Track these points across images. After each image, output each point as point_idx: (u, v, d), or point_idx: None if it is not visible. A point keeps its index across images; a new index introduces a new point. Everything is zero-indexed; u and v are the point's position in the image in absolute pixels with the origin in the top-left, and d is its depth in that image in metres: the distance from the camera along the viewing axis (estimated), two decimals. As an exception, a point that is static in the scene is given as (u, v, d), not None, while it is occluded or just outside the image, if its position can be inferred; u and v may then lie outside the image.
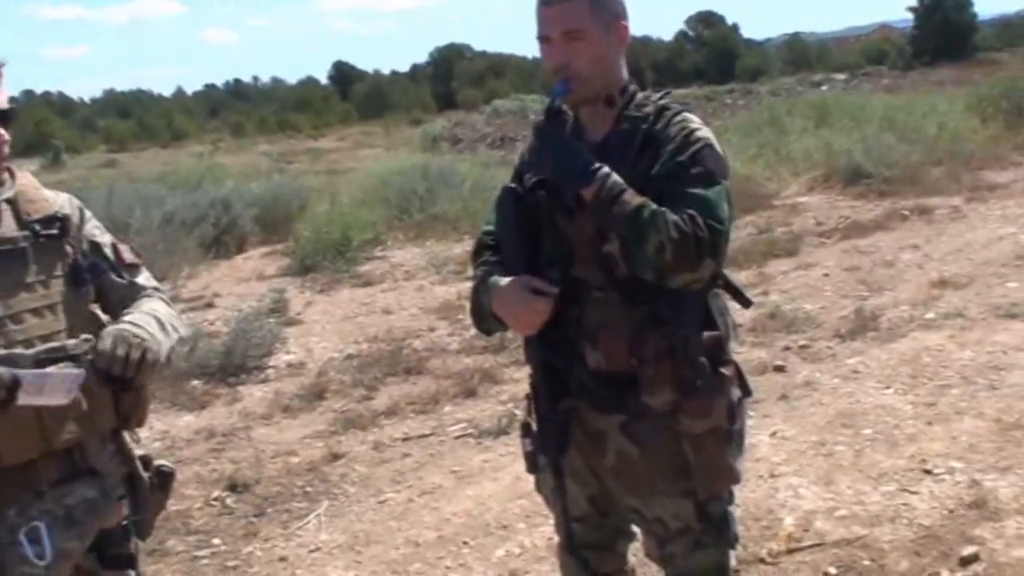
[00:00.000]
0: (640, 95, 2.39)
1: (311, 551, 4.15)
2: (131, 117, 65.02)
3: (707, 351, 2.32)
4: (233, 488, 4.81)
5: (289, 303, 8.68)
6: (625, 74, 2.40)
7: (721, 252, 2.21)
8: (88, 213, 2.33)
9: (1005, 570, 3.38)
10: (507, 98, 40.84)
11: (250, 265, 11.18)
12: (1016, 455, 4.22)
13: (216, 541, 4.33)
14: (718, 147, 2.30)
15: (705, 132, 2.31)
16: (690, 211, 2.15)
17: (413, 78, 78.48)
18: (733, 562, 2.57)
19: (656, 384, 2.29)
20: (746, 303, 2.53)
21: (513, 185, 2.44)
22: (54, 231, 2.20)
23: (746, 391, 2.47)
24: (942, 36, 52.13)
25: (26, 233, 2.16)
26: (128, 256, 2.35)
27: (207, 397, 6.28)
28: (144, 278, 2.38)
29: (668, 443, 2.35)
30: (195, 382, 6.46)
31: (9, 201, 2.18)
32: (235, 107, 72.17)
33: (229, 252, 11.84)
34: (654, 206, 2.17)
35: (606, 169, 2.21)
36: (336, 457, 5.14)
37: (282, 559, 4.11)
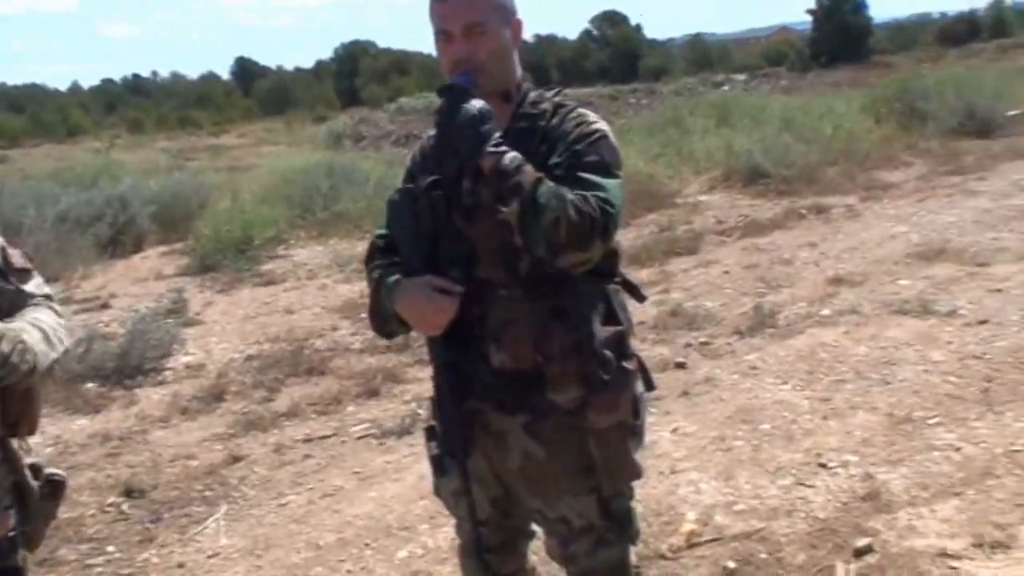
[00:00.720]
0: (534, 93, 2.40)
1: (210, 556, 4.08)
2: (24, 112, 63.14)
3: (611, 346, 2.33)
4: (129, 494, 4.70)
5: (188, 303, 8.50)
6: (520, 70, 2.41)
7: (610, 235, 2.22)
8: None
9: (897, 560, 3.47)
10: (412, 96, 40.65)
11: (148, 265, 10.92)
12: (907, 448, 4.33)
13: (111, 548, 4.22)
14: (614, 140, 2.32)
15: (601, 125, 2.32)
16: (582, 191, 2.16)
17: (317, 75, 77.66)
18: (634, 558, 2.58)
19: (562, 381, 2.29)
20: (640, 298, 2.56)
21: (409, 186, 2.41)
22: None
23: (649, 385, 2.49)
24: (839, 39, 53.27)
25: None
26: (18, 261, 2.27)
27: (102, 400, 6.12)
28: (34, 285, 2.29)
29: (573, 441, 2.36)
30: (89, 384, 6.30)
31: None
32: (133, 103, 70.58)
33: (126, 251, 11.56)
34: (552, 183, 2.16)
35: (503, 143, 2.18)
36: (236, 460, 5.06)
37: (180, 565, 4.03)
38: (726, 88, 33.22)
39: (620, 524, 2.48)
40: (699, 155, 13.52)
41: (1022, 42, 41.72)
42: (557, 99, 2.39)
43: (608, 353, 2.31)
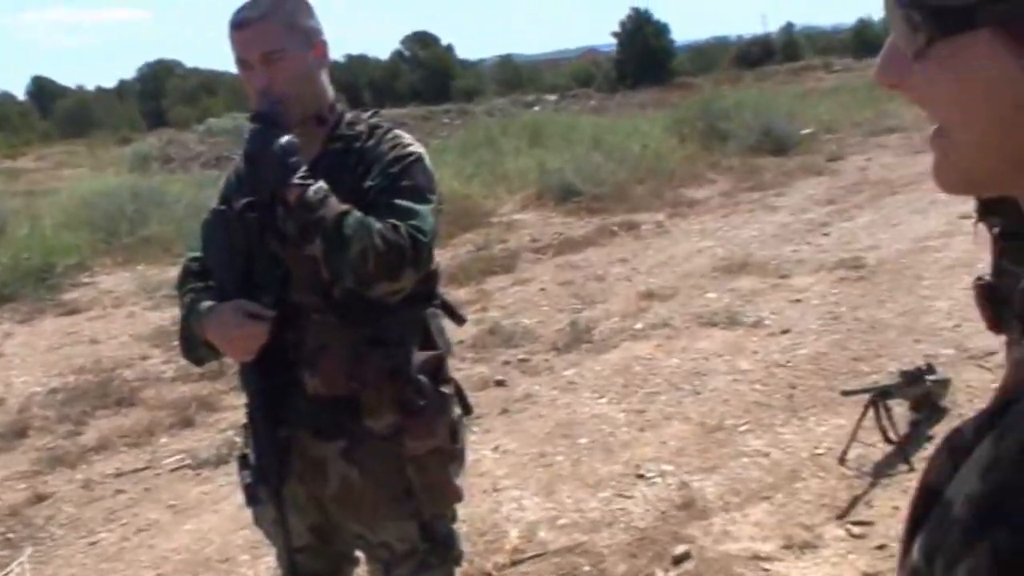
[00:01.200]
0: (349, 114, 2.39)
1: (14, 602, 3.87)
2: None
3: (428, 370, 2.33)
4: (-78, 539, 4.42)
5: (-15, 336, 8.08)
6: (331, 92, 2.39)
7: (422, 263, 2.22)
8: None
9: (713, 564, 3.58)
10: (221, 116, 39.78)
11: (-61, 297, 10.31)
12: (719, 455, 4.49)
13: (-97, 599, 3.97)
14: (429, 164, 2.33)
15: (416, 148, 2.33)
16: (393, 221, 2.16)
17: (120, 95, 75.10)
18: (458, 579, 2.59)
19: (378, 407, 2.28)
20: (460, 321, 2.57)
21: (223, 208, 2.36)
22: None
23: (467, 409, 2.50)
24: (643, 61, 55.05)
25: None
26: None
27: None
28: None
29: (391, 466, 2.34)
30: None
31: None
32: (-81, 125, 66.68)
33: (-87, 282, 10.88)
34: (359, 213, 2.15)
35: (310, 176, 2.16)
36: (41, 498, 4.82)
37: (-19, 613, 3.82)
38: (537, 108, 33.79)
39: (443, 547, 2.48)
40: (512, 174, 13.70)
41: (812, 64, 44.04)
42: (373, 120, 2.39)
43: (424, 378, 2.31)
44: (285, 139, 2.16)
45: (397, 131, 2.37)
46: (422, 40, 74.13)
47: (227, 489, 4.69)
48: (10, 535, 4.47)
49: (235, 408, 5.80)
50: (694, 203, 11.54)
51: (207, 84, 68.33)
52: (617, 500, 4.18)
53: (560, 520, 4.05)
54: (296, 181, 2.14)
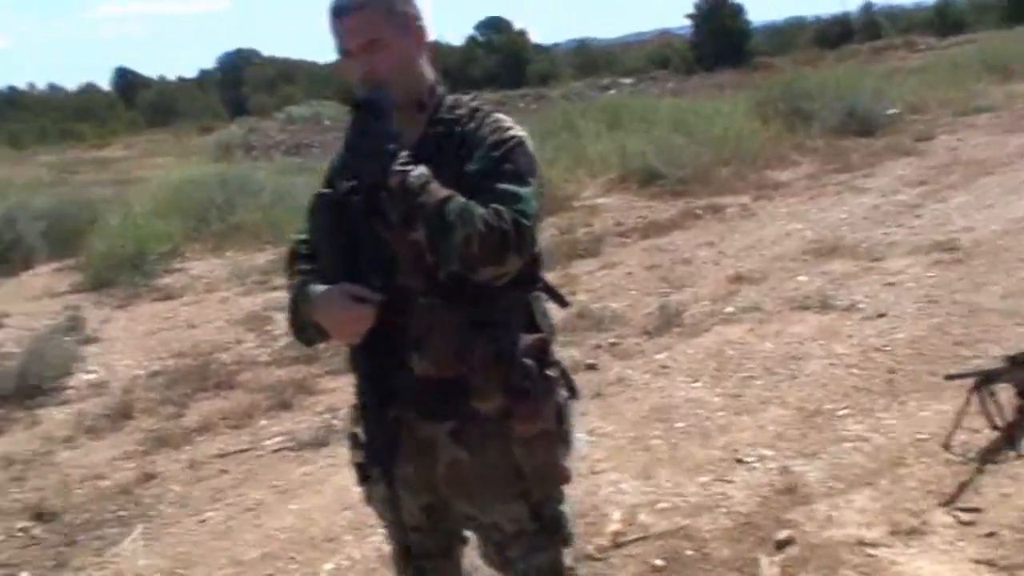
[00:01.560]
0: (450, 98, 2.39)
1: (129, 578, 3.99)
2: None
3: (533, 354, 2.34)
4: (39, 517, 4.57)
5: (85, 320, 8.29)
6: (432, 75, 2.40)
7: (526, 248, 2.21)
8: None
9: (818, 550, 3.56)
10: (300, 104, 40.23)
11: (39, 282, 10.61)
12: (819, 440, 4.46)
13: (23, 575, 4.10)
14: (530, 146, 2.32)
15: (517, 131, 2.32)
16: (496, 206, 2.15)
17: (201, 85, 76.32)
18: (569, 560, 2.61)
19: (485, 390, 2.30)
20: (563, 304, 2.58)
21: (327, 191, 2.37)
22: None
23: (573, 392, 2.51)
24: (719, 42, 54.52)
25: None
26: None
27: (3, 422, 5.94)
28: None
29: (499, 448, 2.36)
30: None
31: None
32: (11, 116, 68.37)
33: (15, 269, 11.22)
34: (461, 199, 2.15)
35: (411, 162, 2.17)
36: (149, 478, 4.95)
37: (98, 588, 3.94)
38: (613, 91, 33.60)
39: (553, 528, 2.49)
40: (593, 158, 13.66)
41: (894, 43, 43.14)
42: (474, 103, 2.39)
43: (529, 362, 2.32)
44: (386, 124, 2.17)
45: (498, 114, 2.37)
46: (496, 25, 74.10)
47: (328, 470, 4.78)
48: (122, 512, 4.60)
49: (330, 391, 5.92)
50: (779, 185, 11.41)
51: (285, 72, 69.19)
52: (717, 484, 4.17)
53: (660, 504, 4.05)
54: (397, 167, 2.15)
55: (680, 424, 4.84)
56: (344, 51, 2.31)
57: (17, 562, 4.21)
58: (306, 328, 2.38)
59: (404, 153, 2.18)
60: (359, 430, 2.47)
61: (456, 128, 2.32)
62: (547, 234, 9.94)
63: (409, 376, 2.34)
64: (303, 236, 2.49)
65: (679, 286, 7.52)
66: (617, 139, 14.32)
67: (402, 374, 2.34)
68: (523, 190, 2.22)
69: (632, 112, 17.10)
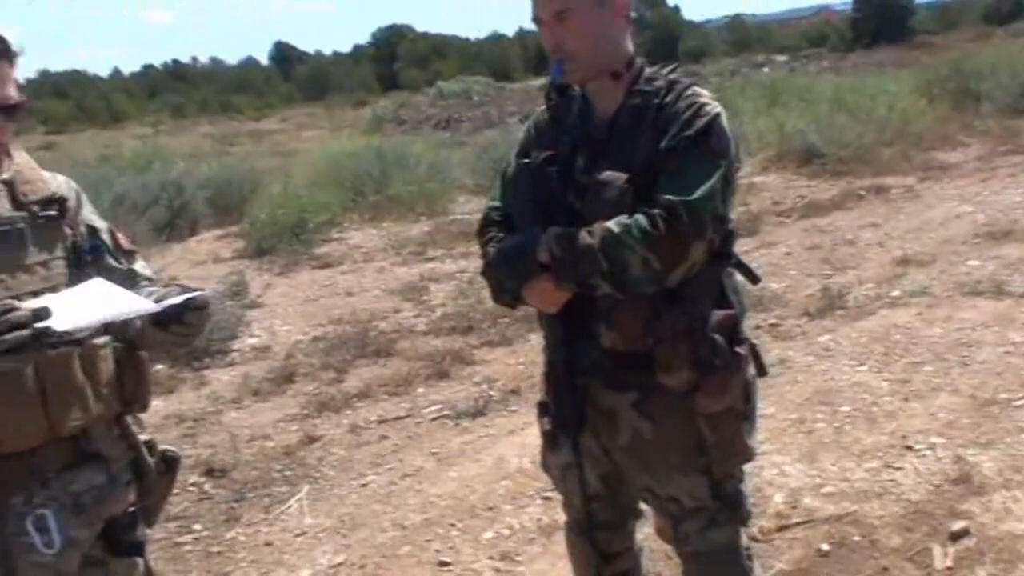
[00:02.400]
0: (648, 70, 2.37)
1: (296, 535, 4.09)
2: (67, 98, 63.68)
3: (723, 330, 2.31)
4: (210, 473, 4.73)
5: (248, 286, 8.55)
6: (630, 47, 2.38)
7: (707, 231, 2.18)
8: (84, 197, 2.25)
9: (995, 543, 3.42)
10: (451, 79, 40.58)
11: (204, 248, 11.01)
12: (995, 430, 4.27)
13: (197, 527, 4.25)
14: (725, 122, 2.28)
15: (713, 107, 2.28)
16: (655, 211, 2.14)
17: (355, 59, 77.78)
18: (745, 540, 2.56)
19: (673, 363, 2.27)
20: (755, 280, 2.54)
21: (527, 161, 2.41)
22: (52, 212, 2.12)
23: (761, 370, 2.46)
24: (881, 19, 52.73)
25: (24, 214, 2.08)
26: (125, 243, 2.28)
27: (173, 382, 6.17)
28: (141, 265, 2.31)
29: (682, 422, 2.34)
30: (159, 366, 6.33)
31: (5, 182, 2.09)
32: (175, 88, 71.02)
33: (182, 235, 11.67)
34: (613, 227, 2.16)
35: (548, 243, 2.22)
36: (312, 440, 5.07)
37: (267, 544, 4.04)
38: (766, 69, 32.90)
39: (732, 506, 2.46)
40: (751, 136, 13.41)
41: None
42: (672, 76, 2.36)
43: (719, 337, 2.28)
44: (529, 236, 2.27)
45: (696, 87, 2.33)
46: (648, 1, 73.33)
47: (486, 440, 4.81)
48: (287, 473, 4.72)
49: (487, 362, 5.97)
50: (947, 167, 11.00)
51: (437, 47, 69.94)
52: (886, 471, 4.04)
53: (825, 488, 3.95)
54: (542, 259, 2.21)
55: (845, 408, 4.70)
56: (536, 19, 2.31)
57: (191, 515, 4.37)
58: (505, 292, 2.41)
59: (535, 231, 2.24)
60: (549, 398, 2.49)
61: (653, 100, 2.29)
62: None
63: (595, 347, 2.34)
64: (495, 203, 2.53)
65: (841, 267, 7.32)
66: (776, 117, 14.03)
67: (590, 345, 2.35)
68: (708, 175, 2.19)
69: (791, 89, 16.73)
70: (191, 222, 12.00)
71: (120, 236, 2.29)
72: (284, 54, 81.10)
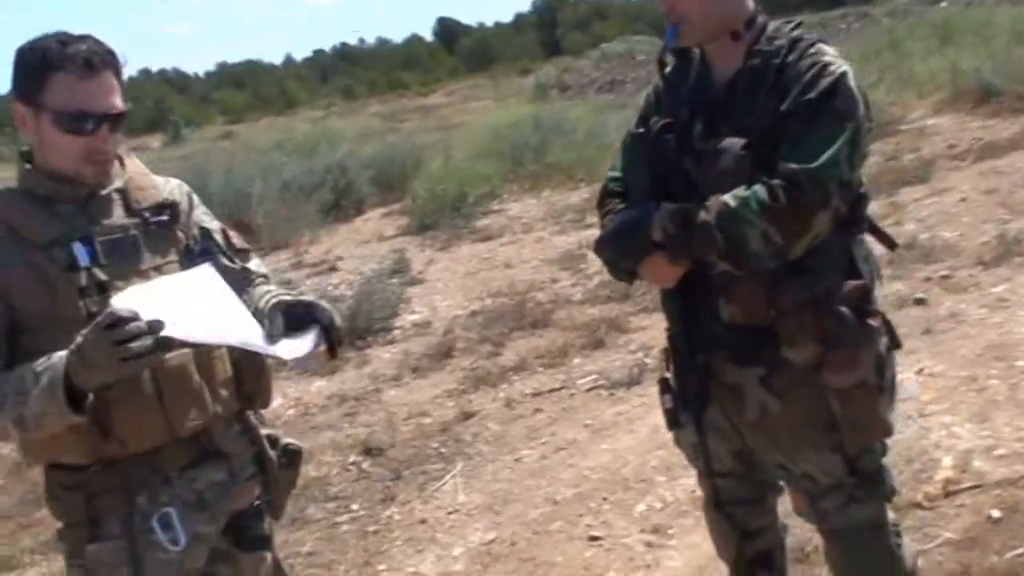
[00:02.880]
0: (771, 26, 2.25)
1: (450, 513, 4.12)
2: (244, 88, 66.16)
3: (851, 301, 2.18)
4: (368, 452, 4.81)
5: (410, 263, 8.69)
6: (751, 4, 2.27)
7: (832, 199, 2.08)
8: (196, 199, 2.28)
9: None
10: (614, 41, 40.17)
11: (369, 227, 11.24)
12: None
13: (355, 507, 4.33)
14: (852, 82, 2.14)
15: (838, 65, 2.15)
16: (776, 180, 2.05)
17: (517, 28, 77.96)
18: (891, 516, 2.43)
19: (797, 337, 2.17)
20: (892, 245, 2.41)
21: (640, 130, 2.34)
22: (164, 217, 2.16)
23: (895, 343, 2.31)
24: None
25: (136, 221, 2.12)
26: (238, 242, 2.31)
27: (336, 362, 6.29)
28: (255, 264, 2.33)
29: (811, 397, 2.23)
30: (323, 347, 6.46)
31: (119, 190, 2.13)
32: (344, 70, 72.83)
33: (348, 215, 11.94)
34: (730, 201, 2.08)
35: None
36: (468, 416, 5.10)
37: (422, 522, 4.09)
38: (944, 4, 31.31)
39: (871, 482, 2.34)
40: (921, 78, 12.82)
41: None
42: (795, 33, 2.24)
43: (846, 310, 2.16)
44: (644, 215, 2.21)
45: (820, 44, 2.20)
46: (815, -58, 70.88)
47: (641, 410, 4.74)
48: (443, 450, 4.76)
49: (643, 329, 5.87)
50: None
51: (599, 9, 69.28)
52: (1065, 430, 3.78)
53: (998, 450, 3.72)
54: (656, 238, 2.15)
55: (1021, 363, 4.42)
56: None
57: (349, 494, 4.45)
58: (618, 269, 2.35)
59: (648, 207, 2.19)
60: (670, 375, 2.43)
61: (773, 61, 2.19)
62: (871, 160, 9.35)
63: (717, 321, 2.27)
64: (615, 173, 2.47)
65: (1021, 212, 6.89)
66: (949, 56, 13.34)
67: (712, 319, 2.28)
68: (832, 140, 2.08)
69: (966, 26, 15.87)
70: (356, 202, 12.25)
71: (233, 236, 2.32)
72: (447, 28, 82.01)
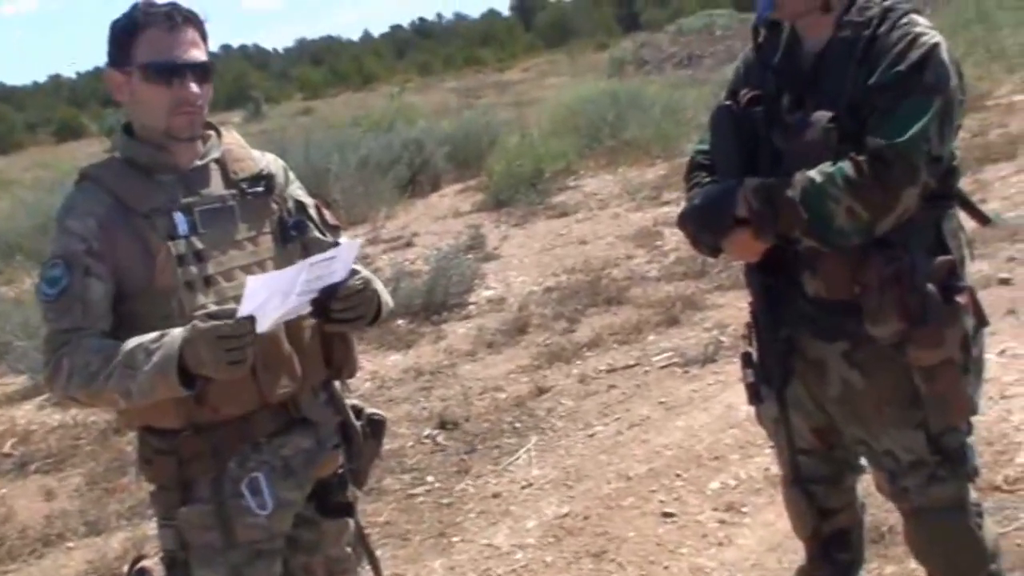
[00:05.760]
0: None
1: (523, 487, 4.15)
2: (323, 64, 66.64)
3: (938, 278, 2.15)
4: (443, 426, 4.86)
5: (486, 239, 8.72)
6: None
7: (918, 176, 2.06)
8: (292, 174, 2.33)
9: None
10: (692, 15, 39.68)
11: (445, 203, 11.29)
12: None
13: (430, 479, 4.38)
14: (944, 54, 2.11)
15: (930, 37, 2.12)
16: (863, 156, 2.04)
17: (595, 2, 77.40)
18: (973, 495, 2.40)
19: (881, 313, 2.15)
20: (984, 220, 2.37)
21: (728, 103, 2.34)
22: (260, 189, 2.21)
23: (982, 320, 2.28)
24: None
25: (233, 191, 2.17)
26: (331, 219, 2.35)
27: (412, 336, 6.36)
28: (344, 241, 2.36)
29: (895, 374, 2.22)
30: (400, 321, 6.55)
31: (217, 161, 2.19)
32: (421, 46, 73.00)
33: (424, 191, 12.00)
34: (816, 177, 2.07)
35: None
36: (542, 391, 5.12)
37: (495, 495, 4.12)
38: (1037, -25, 30.45)
39: (954, 461, 2.31)
40: (1011, 52, 12.48)
41: None
42: (887, 3, 2.20)
43: (931, 287, 2.13)
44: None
45: (913, 15, 2.17)
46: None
47: (715, 387, 4.72)
48: (517, 424, 4.79)
49: (719, 307, 5.84)
50: None
51: (677, -17, 68.40)
52: None
53: (1083, 432, 3.65)
54: (740, 215, 2.18)
55: (1108, 345, 4.33)
56: None
57: (424, 467, 4.50)
58: (701, 243, 2.38)
59: (733, 183, 2.20)
60: (752, 349, 2.44)
61: (863, 32, 2.17)
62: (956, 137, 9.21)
63: (801, 296, 2.27)
64: (703, 146, 2.48)
65: (1111, 190, 6.72)
66: (1040, 27, 12.99)
67: (795, 293, 2.28)
68: (921, 114, 2.05)
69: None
70: (433, 178, 12.30)
71: (326, 212, 2.36)
72: (524, 3, 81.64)
